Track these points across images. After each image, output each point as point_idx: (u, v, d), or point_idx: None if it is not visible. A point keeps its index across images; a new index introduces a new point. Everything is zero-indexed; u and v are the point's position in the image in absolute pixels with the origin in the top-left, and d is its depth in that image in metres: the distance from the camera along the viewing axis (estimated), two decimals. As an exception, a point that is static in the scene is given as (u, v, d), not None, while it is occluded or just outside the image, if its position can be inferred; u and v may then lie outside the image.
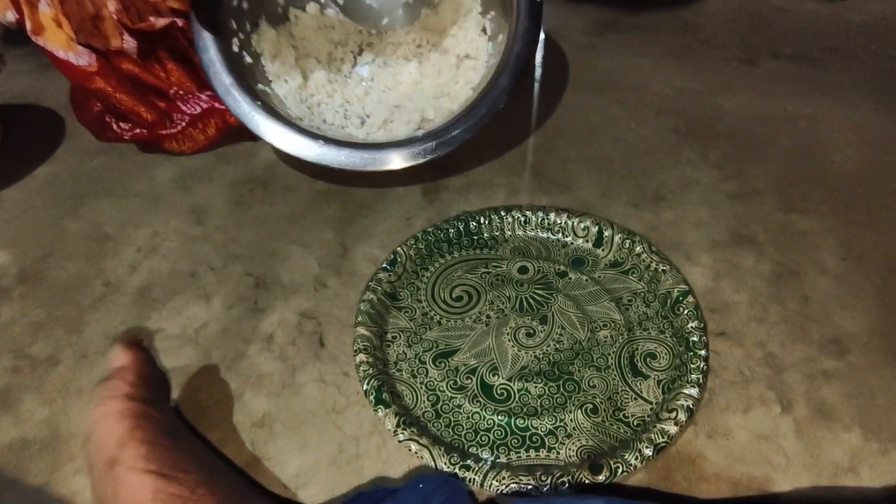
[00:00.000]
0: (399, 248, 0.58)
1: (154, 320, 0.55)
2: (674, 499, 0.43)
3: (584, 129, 0.73)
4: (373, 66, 0.73)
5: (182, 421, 0.48)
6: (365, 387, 0.48)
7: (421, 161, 0.59)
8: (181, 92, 0.70)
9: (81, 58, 0.65)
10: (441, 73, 0.70)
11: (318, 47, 0.72)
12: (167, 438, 0.38)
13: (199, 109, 0.71)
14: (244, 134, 0.68)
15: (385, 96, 0.71)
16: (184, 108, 0.71)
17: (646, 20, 0.93)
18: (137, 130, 0.71)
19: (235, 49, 0.63)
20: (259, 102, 0.61)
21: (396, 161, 0.60)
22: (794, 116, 0.73)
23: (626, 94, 0.77)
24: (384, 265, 0.57)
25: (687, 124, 0.72)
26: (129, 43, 0.64)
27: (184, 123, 0.71)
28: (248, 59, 0.64)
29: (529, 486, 0.42)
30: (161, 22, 0.61)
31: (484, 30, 0.70)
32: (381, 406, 0.46)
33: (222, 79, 0.61)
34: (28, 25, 0.61)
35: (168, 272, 0.59)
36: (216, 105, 0.71)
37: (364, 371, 0.49)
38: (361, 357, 0.49)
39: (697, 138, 0.71)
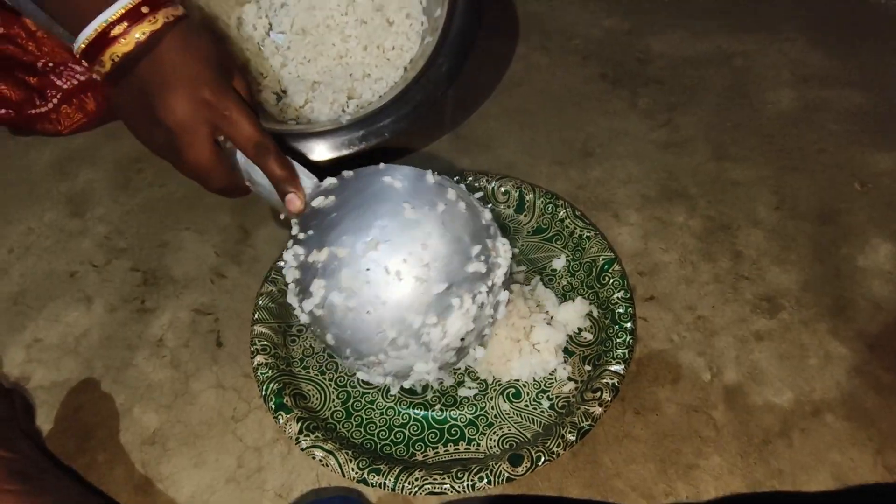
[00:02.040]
0: (303, 230, 0.52)
1: (30, 330, 0.49)
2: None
3: (506, 80, 0.67)
4: (290, 33, 0.64)
5: (63, 446, 0.43)
6: (264, 392, 0.43)
7: (345, 153, 0.52)
8: (52, 64, 0.62)
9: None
10: (369, 48, 0.62)
11: (226, 9, 0.62)
12: (15, 481, 0.33)
13: (75, 83, 0.63)
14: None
15: (304, 70, 0.62)
16: (58, 82, 0.63)
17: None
18: (3, 111, 0.62)
19: None
20: None
21: (317, 151, 0.52)
22: (728, 54, 0.69)
23: (551, 39, 0.71)
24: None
25: (615, 70, 0.68)
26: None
27: (56, 100, 0.62)
28: None
29: (444, 486, 0.39)
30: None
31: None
32: (281, 412, 0.42)
33: None
34: None
35: (43, 274, 0.53)
36: (96, 77, 0.62)
37: (263, 374, 0.44)
38: (260, 358, 0.45)
39: (626, 85, 0.66)
